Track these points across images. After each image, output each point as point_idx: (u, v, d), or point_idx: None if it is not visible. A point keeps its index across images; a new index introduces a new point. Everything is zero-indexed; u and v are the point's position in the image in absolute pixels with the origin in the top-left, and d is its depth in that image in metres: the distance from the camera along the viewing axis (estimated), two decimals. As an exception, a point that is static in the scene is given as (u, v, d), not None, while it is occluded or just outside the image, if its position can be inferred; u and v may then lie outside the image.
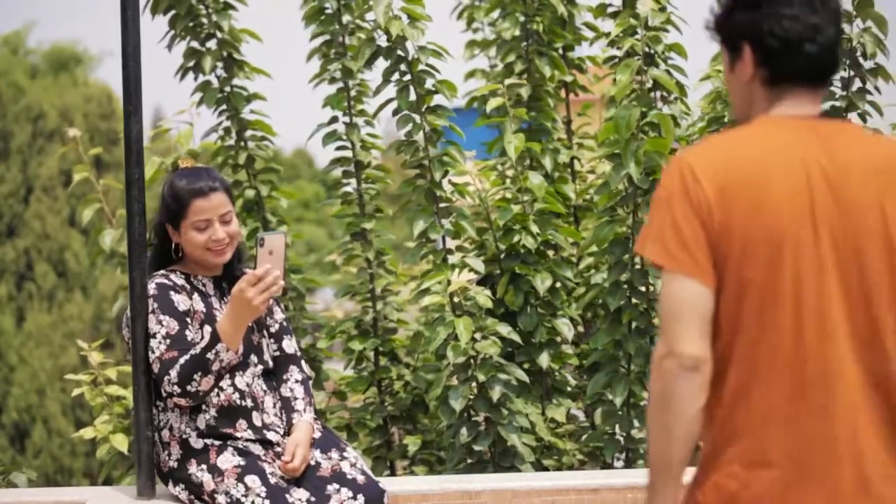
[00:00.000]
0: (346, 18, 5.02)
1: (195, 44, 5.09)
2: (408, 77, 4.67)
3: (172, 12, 5.04)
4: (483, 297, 4.43)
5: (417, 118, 4.68)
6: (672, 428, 2.10)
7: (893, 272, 2.14)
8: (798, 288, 2.10)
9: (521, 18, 5.08)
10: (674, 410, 2.09)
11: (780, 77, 2.21)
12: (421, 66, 4.65)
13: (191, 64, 5.10)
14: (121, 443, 4.34)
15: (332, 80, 5.08)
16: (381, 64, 4.72)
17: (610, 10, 4.96)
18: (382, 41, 4.68)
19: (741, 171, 2.13)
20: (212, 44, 5.08)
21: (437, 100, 4.71)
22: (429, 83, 4.68)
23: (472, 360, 4.42)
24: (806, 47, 2.18)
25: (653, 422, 2.13)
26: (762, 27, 2.18)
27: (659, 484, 2.14)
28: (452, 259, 4.60)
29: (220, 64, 5.09)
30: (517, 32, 5.08)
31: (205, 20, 5.06)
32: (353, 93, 5.07)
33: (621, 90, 4.50)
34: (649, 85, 4.62)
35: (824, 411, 2.10)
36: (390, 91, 4.71)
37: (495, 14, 5.30)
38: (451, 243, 4.80)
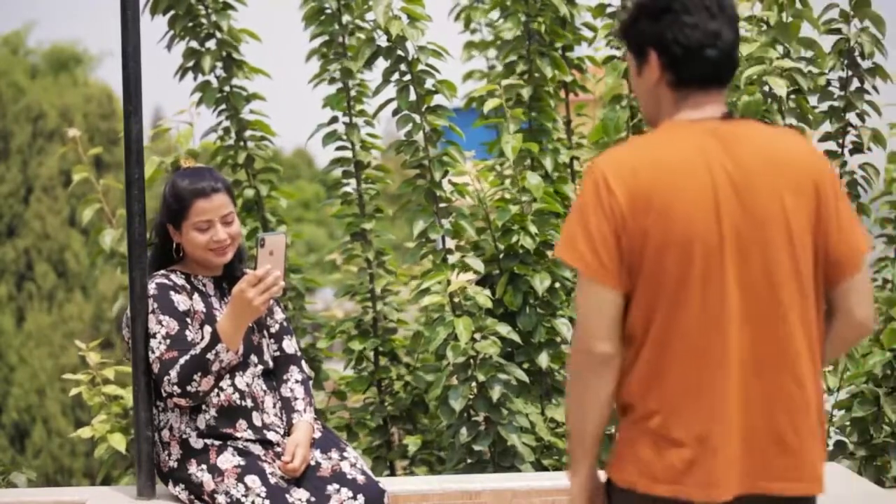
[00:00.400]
0: (345, 19, 5.02)
1: (194, 44, 5.09)
2: (408, 77, 4.67)
3: (172, 12, 5.04)
4: (483, 297, 4.43)
5: (417, 118, 4.68)
6: (587, 411, 2.39)
7: (796, 267, 2.33)
8: (705, 288, 2.29)
9: (523, 18, 5.07)
10: (588, 397, 2.37)
11: (685, 80, 2.38)
12: (421, 66, 4.65)
13: (190, 64, 5.10)
14: (118, 442, 4.34)
15: (332, 81, 5.08)
16: (381, 64, 4.73)
17: (609, 10, 4.96)
18: (382, 41, 4.68)
19: (652, 179, 2.30)
20: (211, 44, 5.09)
21: (437, 100, 4.71)
22: (429, 83, 4.68)
23: (471, 360, 4.42)
24: (707, 52, 2.35)
25: (570, 405, 2.41)
26: (666, 35, 2.36)
27: (578, 456, 2.45)
28: (452, 259, 4.60)
29: (219, 64, 5.09)
30: (519, 32, 5.08)
31: (204, 20, 5.06)
32: (352, 93, 5.07)
33: (609, 92, 4.51)
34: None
35: (723, 397, 2.32)
36: (390, 91, 4.72)
37: (495, 15, 5.30)
38: (450, 243, 4.81)
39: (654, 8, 2.37)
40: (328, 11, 5.02)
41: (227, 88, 5.11)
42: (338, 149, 5.12)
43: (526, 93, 5.01)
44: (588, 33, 5.28)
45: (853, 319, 2.42)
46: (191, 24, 5.05)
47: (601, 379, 2.35)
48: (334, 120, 5.10)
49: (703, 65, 2.36)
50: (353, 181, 5.13)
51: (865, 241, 2.42)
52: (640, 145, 2.38)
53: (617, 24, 2.36)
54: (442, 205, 4.71)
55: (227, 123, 5.15)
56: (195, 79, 5.12)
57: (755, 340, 2.31)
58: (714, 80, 2.39)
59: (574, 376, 2.38)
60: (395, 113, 4.70)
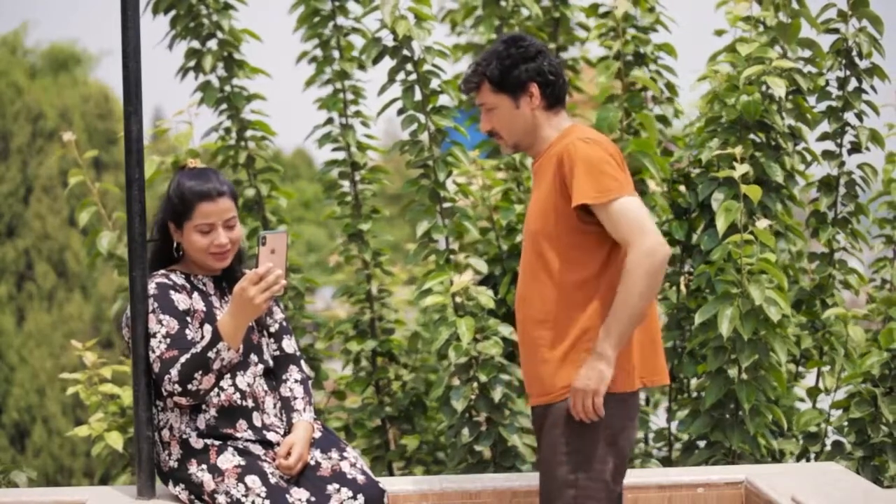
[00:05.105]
0: (340, 20, 5.02)
1: (195, 44, 5.10)
2: (413, 77, 4.68)
3: (173, 12, 5.05)
4: (485, 297, 4.44)
5: (422, 118, 4.68)
6: (654, 295, 3.22)
7: None
8: None
9: (497, 23, 5.06)
10: (659, 282, 3.19)
11: (558, 100, 3.39)
12: (427, 66, 4.66)
13: (191, 64, 5.11)
14: (115, 441, 4.34)
15: (326, 83, 5.09)
16: (381, 64, 4.73)
17: (602, 10, 4.96)
18: (389, 41, 4.68)
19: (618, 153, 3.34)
20: (212, 44, 5.10)
21: (442, 100, 4.72)
22: (434, 83, 4.69)
23: (473, 361, 4.43)
24: (564, 77, 3.42)
25: (644, 294, 3.15)
26: (543, 68, 3.35)
27: (624, 338, 3.19)
28: (454, 259, 4.60)
29: (220, 64, 5.10)
30: (493, 36, 5.07)
31: (205, 20, 5.08)
32: (349, 95, 5.07)
33: (602, 92, 4.52)
34: (639, 85, 4.63)
35: (654, 310, 3.36)
36: (395, 90, 4.72)
37: (469, 21, 5.30)
38: (453, 243, 4.81)
39: (528, 53, 3.33)
40: (323, 13, 5.02)
41: (227, 88, 5.12)
42: (334, 150, 5.12)
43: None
44: (582, 33, 5.28)
45: None
46: (192, 24, 5.06)
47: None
48: (330, 121, 5.10)
49: (564, 86, 3.40)
50: (349, 182, 5.13)
51: None
52: (595, 132, 3.37)
53: (474, 82, 3.39)
54: (446, 205, 4.71)
55: (227, 123, 5.16)
56: (196, 78, 5.13)
57: None
58: (566, 97, 3.42)
59: (654, 270, 3.14)
60: (399, 112, 4.70)
